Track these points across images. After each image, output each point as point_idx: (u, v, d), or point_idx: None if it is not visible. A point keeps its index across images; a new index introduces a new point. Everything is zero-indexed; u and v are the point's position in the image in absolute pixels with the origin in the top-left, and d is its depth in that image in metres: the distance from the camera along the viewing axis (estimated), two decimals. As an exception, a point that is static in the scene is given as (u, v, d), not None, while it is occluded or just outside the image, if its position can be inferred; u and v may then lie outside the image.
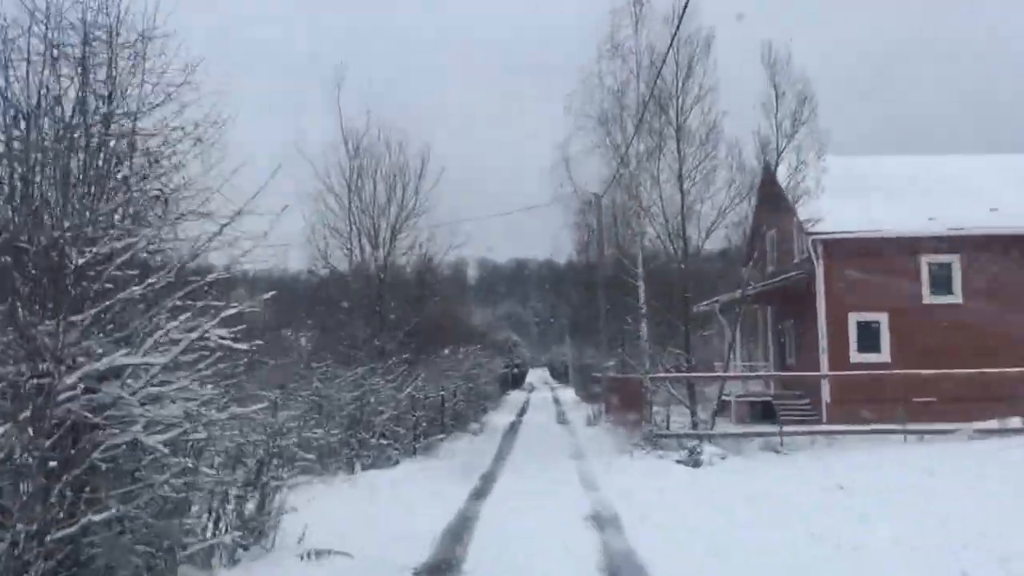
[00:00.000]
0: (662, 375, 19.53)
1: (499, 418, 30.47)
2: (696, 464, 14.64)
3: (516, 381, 63.40)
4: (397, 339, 21.41)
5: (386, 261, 22.22)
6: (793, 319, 23.82)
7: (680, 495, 11.49)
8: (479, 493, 12.38)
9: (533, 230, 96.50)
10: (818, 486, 11.53)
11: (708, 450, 15.26)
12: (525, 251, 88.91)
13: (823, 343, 20.28)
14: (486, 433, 24.50)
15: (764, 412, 21.52)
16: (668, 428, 17.65)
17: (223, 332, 5.98)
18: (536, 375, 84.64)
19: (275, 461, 8.18)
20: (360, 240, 22.17)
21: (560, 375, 78.65)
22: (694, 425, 18.04)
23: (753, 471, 13.84)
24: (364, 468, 14.16)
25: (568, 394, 50.29)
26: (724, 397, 19.25)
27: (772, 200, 21.53)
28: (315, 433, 11.43)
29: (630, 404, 21.21)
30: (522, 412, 36.43)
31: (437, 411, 20.60)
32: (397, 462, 15.31)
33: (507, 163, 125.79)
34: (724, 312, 22.58)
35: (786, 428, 17.32)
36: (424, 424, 18.31)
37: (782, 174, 18.91)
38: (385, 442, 15.38)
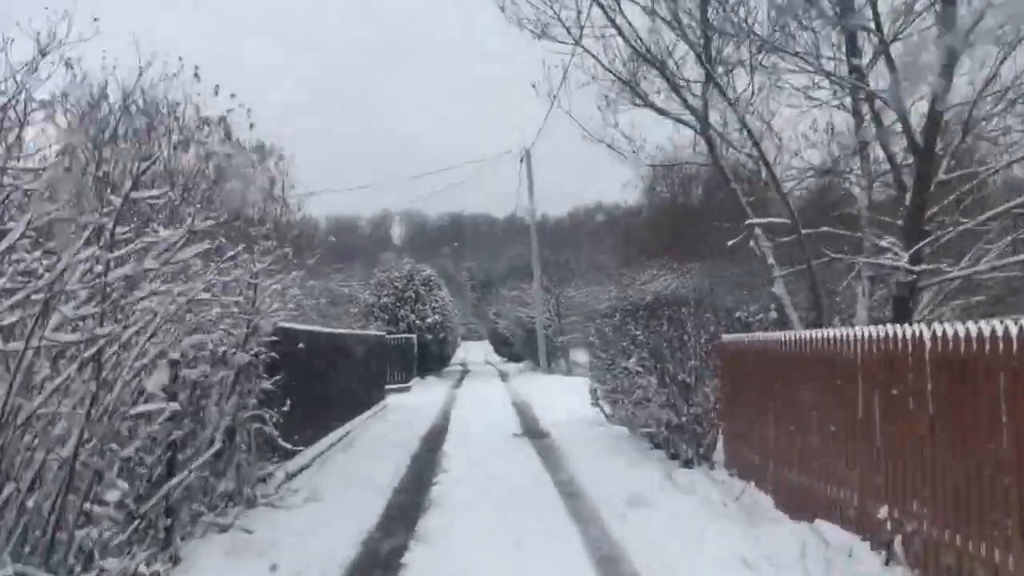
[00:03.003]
0: None
1: None
2: None
3: (429, 359, 32.55)
4: None
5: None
6: None
7: None
8: None
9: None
10: None
11: None
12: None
13: None
14: None
15: None
16: None
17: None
18: (473, 351, 55.77)
19: None
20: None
21: (509, 348, 47.67)
22: None
23: None
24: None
25: (566, 399, 19.28)
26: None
27: None
28: None
29: None
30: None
31: None
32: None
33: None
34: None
35: None
36: None
37: None
38: None
